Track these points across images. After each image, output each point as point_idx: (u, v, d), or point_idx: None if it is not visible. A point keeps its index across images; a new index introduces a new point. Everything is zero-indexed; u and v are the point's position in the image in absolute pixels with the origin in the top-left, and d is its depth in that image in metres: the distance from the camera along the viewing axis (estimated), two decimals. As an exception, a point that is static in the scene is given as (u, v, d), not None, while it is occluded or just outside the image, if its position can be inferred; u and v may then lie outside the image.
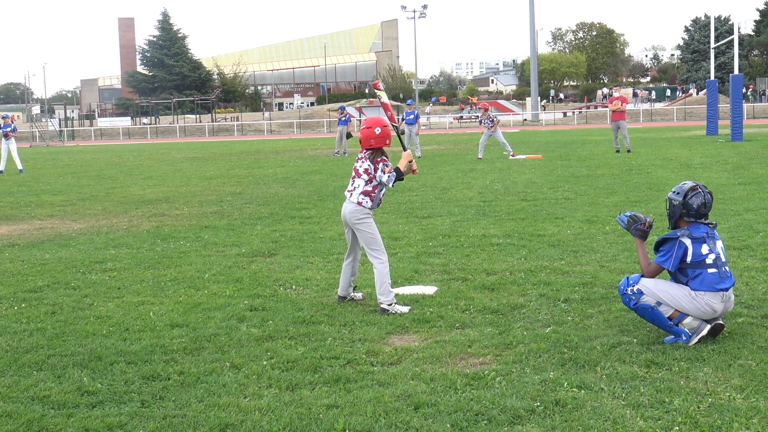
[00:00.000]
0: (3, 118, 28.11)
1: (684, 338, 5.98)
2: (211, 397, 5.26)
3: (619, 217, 6.67)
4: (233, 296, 8.02)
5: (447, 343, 6.25)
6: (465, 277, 8.52)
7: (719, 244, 6.18)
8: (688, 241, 6.07)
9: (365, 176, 7.42)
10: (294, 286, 8.39)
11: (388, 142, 7.41)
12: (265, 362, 5.90)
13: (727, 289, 6.08)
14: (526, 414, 4.79)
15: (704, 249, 6.06)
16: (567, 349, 5.95)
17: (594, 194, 15.31)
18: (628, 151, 26.31)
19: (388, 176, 7.34)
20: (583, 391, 5.10)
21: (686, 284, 6.11)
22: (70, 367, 5.93)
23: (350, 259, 7.68)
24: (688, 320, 6.03)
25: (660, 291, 6.11)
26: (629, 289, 6.16)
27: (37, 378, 5.72)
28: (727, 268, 6.15)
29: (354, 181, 7.49)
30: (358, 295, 7.80)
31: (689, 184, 6.22)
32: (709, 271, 6.05)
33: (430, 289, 8.01)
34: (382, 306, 7.25)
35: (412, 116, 28.81)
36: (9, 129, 27.80)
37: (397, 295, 7.68)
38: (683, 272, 6.13)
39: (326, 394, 5.23)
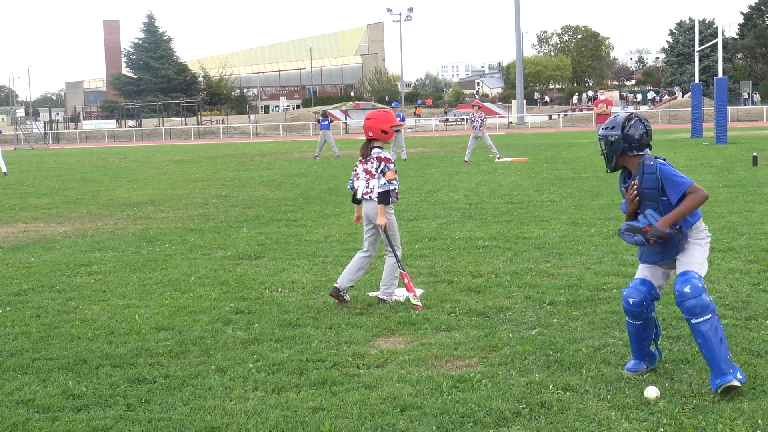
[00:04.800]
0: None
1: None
2: (196, 400, 5.25)
3: (629, 239, 5.39)
4: (219, 299, 8.00)
5: (433, 345, 6.25)
6: (451, 279, 8.53)
7: None
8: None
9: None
10: (280, 289, 8.38)
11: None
12: (250, 365, 5.89)
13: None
14: (511, 416, 4.80)
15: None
16: (552, 351, 5.97)
17: (579, 197, 15.37)
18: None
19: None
20: (568, 393, 5.12)
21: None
22: (55, 370, 5.91)
23: (368, 254, 7.81)
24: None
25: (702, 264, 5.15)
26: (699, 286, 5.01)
27: (21, 381, 5.69)
28: None
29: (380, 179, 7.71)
30: (346, 296, 7.81)
31: (623, 114, 5.34)
32: None
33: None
34: (380, 297, 7.54)
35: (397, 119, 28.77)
36: (-7, 132, 27.68)
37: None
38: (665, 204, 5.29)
39: (312, 397, 5.22)
